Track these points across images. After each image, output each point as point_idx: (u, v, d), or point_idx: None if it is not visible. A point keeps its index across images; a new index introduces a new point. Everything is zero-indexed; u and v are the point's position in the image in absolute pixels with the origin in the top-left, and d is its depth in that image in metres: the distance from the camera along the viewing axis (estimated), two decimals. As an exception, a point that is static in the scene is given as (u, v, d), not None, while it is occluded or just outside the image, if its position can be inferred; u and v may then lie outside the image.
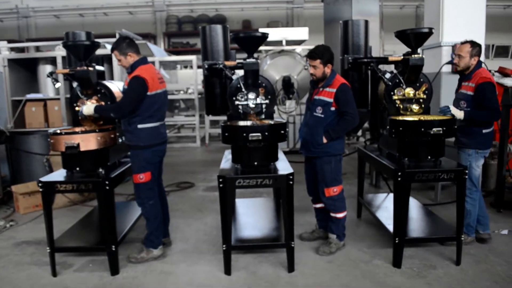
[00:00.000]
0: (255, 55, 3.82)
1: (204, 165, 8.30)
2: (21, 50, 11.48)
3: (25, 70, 7.02)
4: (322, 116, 3.71)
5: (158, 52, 10.74)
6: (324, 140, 3.69)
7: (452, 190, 5.44)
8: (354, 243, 4.11)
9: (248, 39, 3.69)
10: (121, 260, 3.78)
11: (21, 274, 3.66)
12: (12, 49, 9.26)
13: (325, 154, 3.76)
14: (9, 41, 9.53)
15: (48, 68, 6.83)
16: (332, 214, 3.87)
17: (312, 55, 3.68)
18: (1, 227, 4.78)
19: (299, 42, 9.40)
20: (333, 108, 3.67)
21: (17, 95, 6.67)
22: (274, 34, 9.27)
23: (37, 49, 11.04)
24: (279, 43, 9.28)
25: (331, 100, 3.65)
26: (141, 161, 3.64)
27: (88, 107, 3.64)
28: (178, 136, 11.61)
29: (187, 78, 11.30)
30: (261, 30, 9.11)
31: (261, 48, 9.65)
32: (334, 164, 3.78)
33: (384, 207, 4.44)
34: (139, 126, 3.59)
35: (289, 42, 9.28)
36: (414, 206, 4.45)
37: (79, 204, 5.55)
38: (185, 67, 13.11)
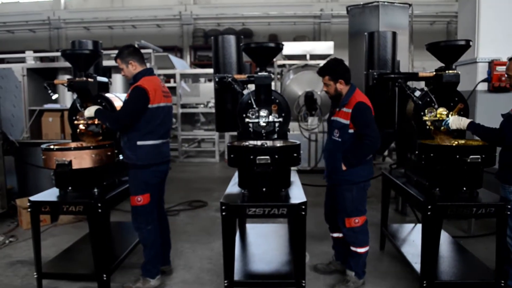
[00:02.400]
0: (278, 69, 3.50)
1: (221, 182, 7.93)
2: (51, 59, 11.60)
3: (45, 79, 6.91)
4: (339, 140, 3.32)
5: (179, 65, 10.59)
6: (343, 167, 3.28)
7: (487, 220, 4.84)
8: (375, 281, 3.65)
9: (259, 50, 3.35)
10: (116, 288, 3.47)
11: (6, 300, 3.39)
12: (41, 58, 9.32)
13: (345, 182, 3.32)
14: (40, 52, 9.63)
15: (66, 78, 6.71)
16: (353, 248, 3.42)
17: (320, 71, 3.32)
18: (0, 243, 4.56)
19: (324, 57, 9.02)
20: (351, 131, 3.26)
21: (35, 104, 6.54)
22: (298, 48, 8.99)
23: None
24: (303, 57, 8.95)
25: (348, 122, 3.24)
26: (139, 182, 3.32)
27: (90, 109, 3.39)
28: (198, 150, 11.35)
29: (209, 92, 11.07)
30: (285, 43, 8.88)
31: (285, 62, 9.37)
32: (356, 192, 3.33)
33: (411, 240, 3.96)
34: (138, 142, 3.28)
35: (313, 57, 8.95)
36: (444, 241, 3.93)
37: (84, 221, 5.27)
38: (209, 80, 12.95)
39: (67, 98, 6.77)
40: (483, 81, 5.11)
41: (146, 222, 3.37)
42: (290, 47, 8.93)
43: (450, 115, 3.34)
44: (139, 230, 3.40)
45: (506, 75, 3.27)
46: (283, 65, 9.71)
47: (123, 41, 14.69)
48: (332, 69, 3.29)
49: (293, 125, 8.04)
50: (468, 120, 3.20)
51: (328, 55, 9.03)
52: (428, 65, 3.59)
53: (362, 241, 3.40)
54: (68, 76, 6.72)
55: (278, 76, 9.89)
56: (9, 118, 6.42)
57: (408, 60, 6.60)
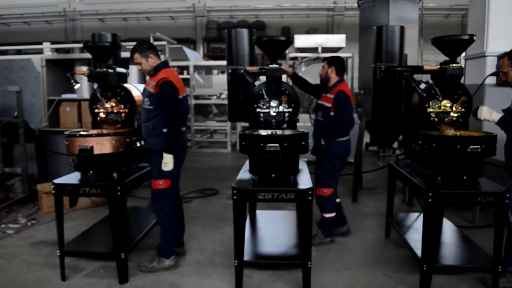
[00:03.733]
0: (291, 62, 3.75)
1: (232, 171, 8.08)
2: (67, 51, 11.85)
3: (63, 70, 7.14)
4: (322, 120, 4.02)
5: (193, 57, 10.76)
6: (322, 142, 3.96)
7: (492, 211, 4.95)
8: (379, 266, 3.80)
9: (271, 43, 3.50)
10: (132, 267, 3.68)
11: (31, 276, 3.62)
12: (57, 50, 9.56)
13: (321, 156, 4.07)
14: (55, 43, 9.88)
15: (84, 69, 6.92)
16: (322, 213, 4.15)
17: (325, 58, 4.14)
18: (23, 225, 4.82)
19: (335, 50, 9.10)
20: (332, 113, 3.93)
21: (53, 95, 6.78)
22: (310, 41, 9.06)
23: (82, 50, 11.38)
24: (315, 50, 9.04)
25: (329, 105, 3.92)
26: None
27: (167, 163, 3.40)
28: (210, 141, 11.56)
29: (222, 83, 11.22)
30: (297, 36, 8.96)
31: (297, 55, 9.45)
32: (327, 167, 4.01)
33: (415, 228, 4.09)
34: (165, 130, 3.44)
35: (325, 50, 9.01)
36: (448, 229, 4.07)
37: (101, 206, 5.53)
38: (222, 72, 13.10)
39: (84, 89, 7.00)
40: (492, 74, 5.16)
41: (165, 205, 3.56)
42: (302, 40, 9.01)
43: (455, 107, 3.47)
44: (158, 212, 3.60)
45: (500, 72, 3.31)
46: (295, 58, 9.81)
47: (138, 33, 14.92)
48: (331, 57, 4.13)
49: (304, 117, 8.18)
50: (499, 115, 3.22)
51: (340, 48, 9.11)
52: (442, 59, 3.71)
53: (328, 208, 4.10)
54: (85, 67, 6.94)
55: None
56: (29, 107, 6.66)
57: (417, 53, 6.67)
